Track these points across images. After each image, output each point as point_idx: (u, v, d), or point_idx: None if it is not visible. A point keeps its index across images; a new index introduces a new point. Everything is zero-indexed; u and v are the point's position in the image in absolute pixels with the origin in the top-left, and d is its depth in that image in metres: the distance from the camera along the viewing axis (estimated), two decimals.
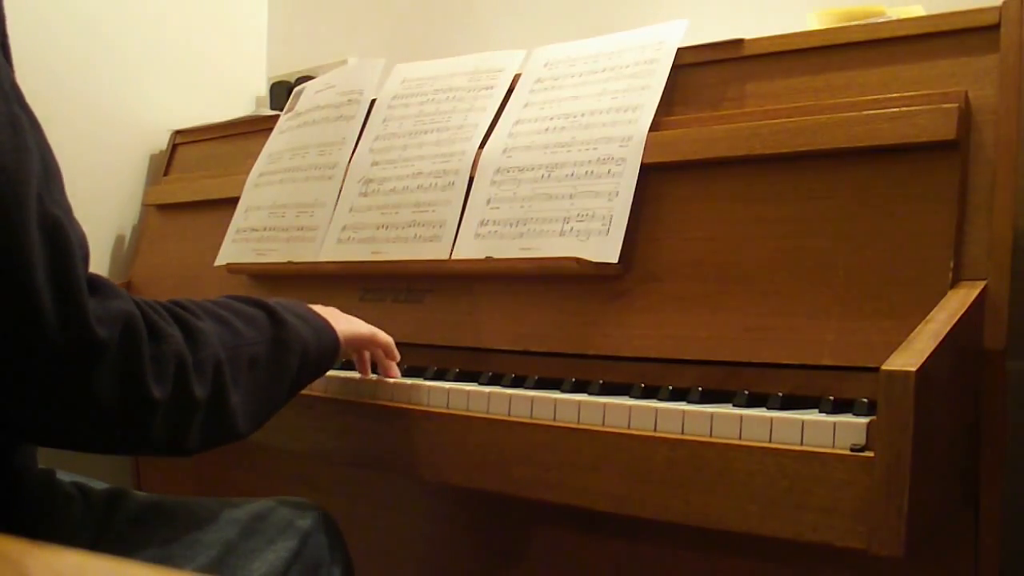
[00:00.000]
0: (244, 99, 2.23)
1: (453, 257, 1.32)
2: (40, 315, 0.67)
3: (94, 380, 0.71)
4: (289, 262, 1.51)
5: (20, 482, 0.84)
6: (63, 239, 0.69)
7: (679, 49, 1.27)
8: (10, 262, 0.66)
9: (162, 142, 2.06)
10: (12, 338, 0.68)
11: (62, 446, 0.78)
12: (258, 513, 0.98)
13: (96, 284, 0.73)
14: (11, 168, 0.67)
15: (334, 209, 1.51)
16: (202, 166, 1.96)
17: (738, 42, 1.24)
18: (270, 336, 0.91)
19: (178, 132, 2.04)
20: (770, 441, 0.87)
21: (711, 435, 0.91)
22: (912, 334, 0.89)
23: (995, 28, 1.05)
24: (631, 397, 1.03)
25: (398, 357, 1.18)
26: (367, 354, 1.18)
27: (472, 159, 1.38)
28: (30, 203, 0.67)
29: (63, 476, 0.95)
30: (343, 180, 1.53)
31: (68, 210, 0.72)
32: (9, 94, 0.70)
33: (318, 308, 1.07)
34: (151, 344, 0.74)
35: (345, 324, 1.08)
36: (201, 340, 0.80)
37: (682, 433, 0.92)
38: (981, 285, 0.97)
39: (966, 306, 0.93)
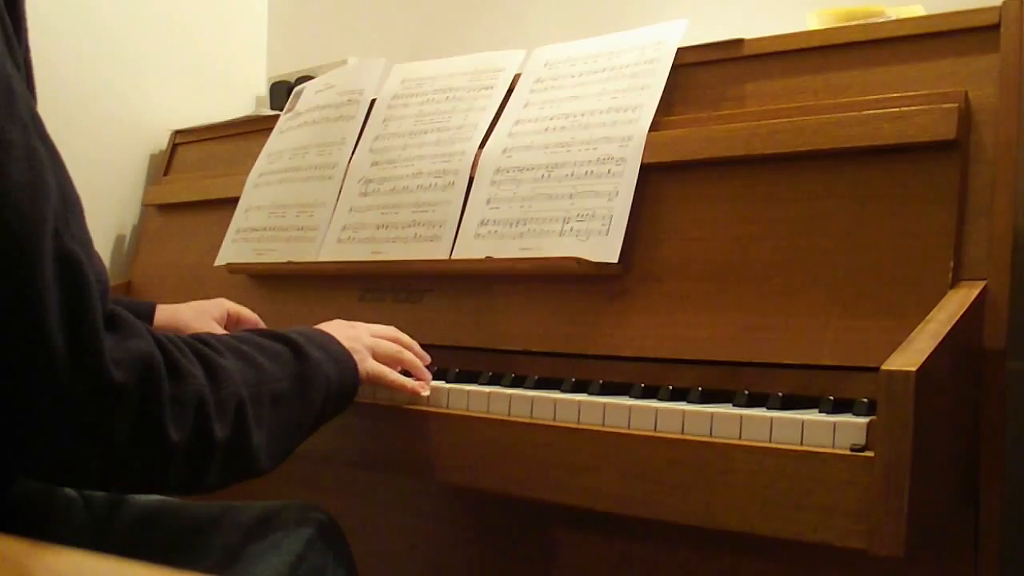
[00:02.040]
0: (244, 99, 2.23)
1: (453, 257, 1.32)
2: (51, 356, 0.66)
3: (110, 423, 0.69)
4: (289, 262, 1.51)
5: (19, 488, 0.84)
6: (80, 277, 0.67)
7: (679, 49, 1.27)
8: (22, 301, 0.65)
9: (162, 142, 2.06)
10: (24, 379, 0.66)
11: (73, 485, 0.77)
12: (262, 517, 0.97)
13: (116, 321, 0.71)
14: (26, 204, 0.65)
15: (334, 209, 1.51)
16: (202, 166, 1.96)
17: (738, 42, 1.24)
18: (294, 372, 0.89)
19: (178, 132, 2.04)
20: (770, 441, 0.87)
21: (711, 435, 0.91)
22: (912, 334, 0.89)
23: (995, 28, 1.05)
24: (631, 397, 1.03)
25: (426, 384, 1.12)
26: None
27: (472, 159, 1.38)
28: (45, 241, 0.66)
29: (71, 488, 0.94)
30: (343, 180, 1.53)
31: (87, 243, 0.70)
32: (29, 126, 0.68)
33: (339, 328, 1.03)
34: (171, 385, 0.73)
35: (370, 360, 1.04)
36: (223, 378, 0.78)
37: (682, 433, 0.92)
38: (981, 285, 0.97)
39: (966, 306, 0.93)
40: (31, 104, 0.71)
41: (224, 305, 1.28)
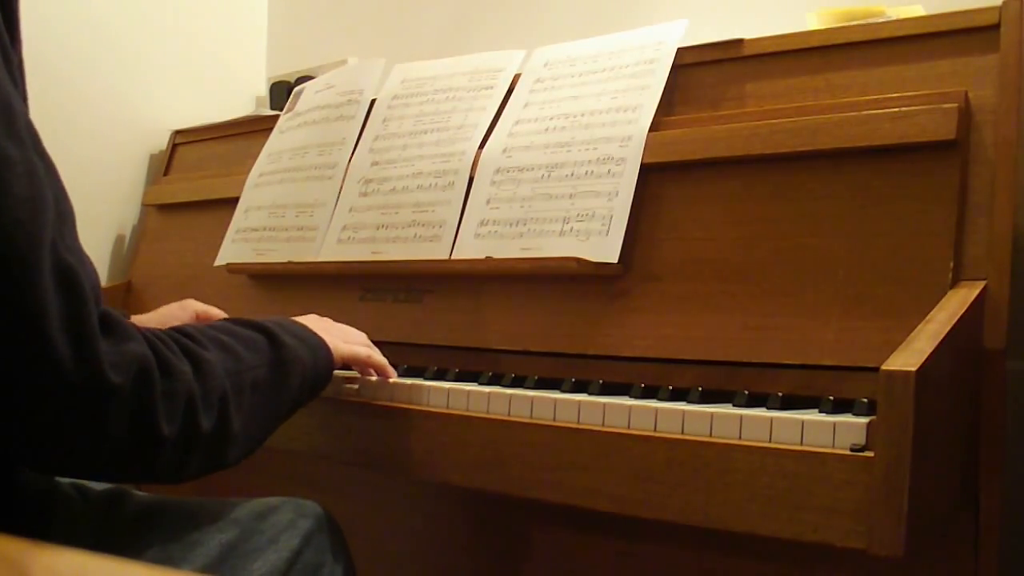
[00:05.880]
0: (244, 99, 2.23)
1: (453, 257, 1.32)
2: (55, 362, 0.69)
3: (106, 422, 0.73)
4: (289, 262, 1.51)
5: (19, 485, 0.84)
6: (76, 286, 0.71)
7: (679, 49, 1.27)
8: (26, 311, 0.68)
9: (162, 142, 2.06)
10: (26, 384, 0.70)
11: (66, 476, 0.79)
12: (259, 513, 0.98)
13: (109, 324, 0.74)
14: (26, 219, 0.68)
15: (334, 209, 1.51)
16: (202, 166, 1.96)
17: (738, 42, 1.24)
18: (269, 359, 0.92)
19: (178, 132, 2.04)
20: (770, 441, 0.87)
21: (711, 435, 0.91)
22: (912, 334, 0.89)
23: (995, 28, 1.05)
24: (631, 397, 1.03)
25: (393, 375, 1.17)
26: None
27: (472, 159, 1.38)
28: (44, 253, 0.69)
29: (62, 478, 0.94)
30: (343, 180, 1.53)
31: (79, 252, 0.74)
32: (26, 139, 0.71)
33: (313, 321, 1.07)
34: (163, 382, 0.76)
35: (342, 344, 1.09)
36: (208, 371, 0.82)
37: (682, 433, 0.92)
38: (981, 285, 0.97)
39: (966, 306, 0.93)
40: (29, 120, 0.73)
41: (192, 307, 1.31)
